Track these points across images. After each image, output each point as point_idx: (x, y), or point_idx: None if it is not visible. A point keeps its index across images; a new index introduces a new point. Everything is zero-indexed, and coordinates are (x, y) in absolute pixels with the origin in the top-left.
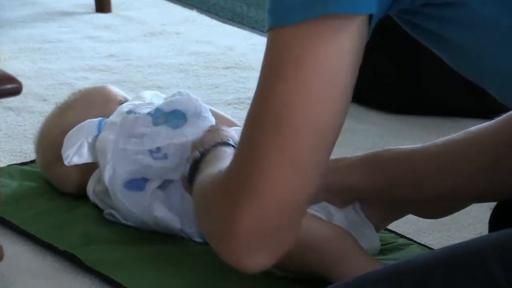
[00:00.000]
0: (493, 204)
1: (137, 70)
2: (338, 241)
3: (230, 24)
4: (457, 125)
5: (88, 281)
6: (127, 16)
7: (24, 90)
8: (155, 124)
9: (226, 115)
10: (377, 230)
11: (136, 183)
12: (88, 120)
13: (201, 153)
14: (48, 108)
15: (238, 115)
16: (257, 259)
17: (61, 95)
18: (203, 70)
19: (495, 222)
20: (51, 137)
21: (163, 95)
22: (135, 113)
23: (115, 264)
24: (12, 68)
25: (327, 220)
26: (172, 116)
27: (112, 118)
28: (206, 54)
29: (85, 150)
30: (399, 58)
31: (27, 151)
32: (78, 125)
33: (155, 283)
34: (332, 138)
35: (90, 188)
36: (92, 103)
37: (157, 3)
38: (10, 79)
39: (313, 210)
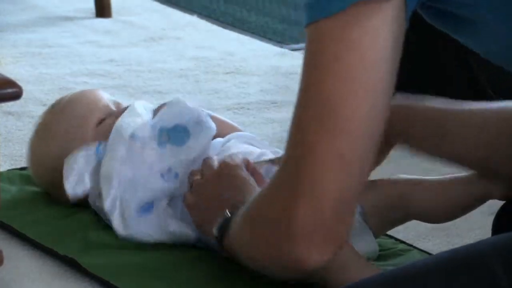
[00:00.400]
0: (493, 209)
1: (137, 75)
2: None
3: (230, 29)
4: None
5: (88, 286)
6: (127, 21)
7: (24, 95)
8: (160, 145)
9: (227, 120)
10: (377, 236)
11: (146, 207)
12: (85, 148)
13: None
14: None
15: (238, 120)
16: (315, 255)
17: None
18: (203, 75)
19: (498, 228)
20: (42, 170)
21: (151, 105)
22: (137, 137)
23: (116, 269)
24: (12, 72)
25: None
26: (174, 132)
27: (113, 141)
28: (206, 59)
29: (86, 181)
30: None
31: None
32: (75, 156)
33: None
34: (378, 130)
35: (91, 200)
36: (72, 128)
37: (157, 8)
38: (10, 83)
39: None
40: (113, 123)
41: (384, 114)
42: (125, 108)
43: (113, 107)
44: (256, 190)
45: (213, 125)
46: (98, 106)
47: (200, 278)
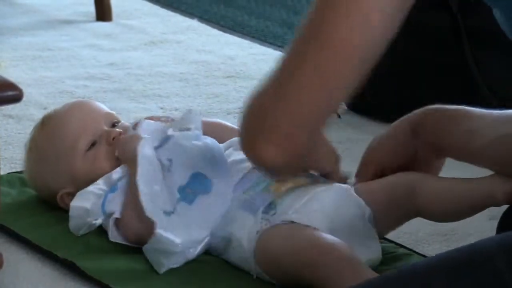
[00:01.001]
0: (493, 214)
1: (137, 78)
2: (333, 254)
3: (231, 33)
4: None
5: None
6: (127, 25)
7: (24, 98)
8: (191, 203)
9: (227, 124)
10: (383, 234)
11: None
12: (92, 202)
13: None
14: None
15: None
16: (269, 152)
17: (61, 103)
18: (203, 79)
19: (502, 230)
20: (37, 185)
21: (158, 125)
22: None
23: (115, 273)
24: (12, 75)
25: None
26: (196, 183)
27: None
28: (206, 63)
29: (94, 226)
30: (399, 70)
31: None
32: (78, 203)
33: None
34: (365, 62)
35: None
36: (62, 153)
37: (158, 12)
38: (11, 86)
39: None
40: (104, 150)
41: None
42: (120, 132)
43: (105, 126)
44: None
45: (223, 157)
46: (89, 128)
47: (201, 282)
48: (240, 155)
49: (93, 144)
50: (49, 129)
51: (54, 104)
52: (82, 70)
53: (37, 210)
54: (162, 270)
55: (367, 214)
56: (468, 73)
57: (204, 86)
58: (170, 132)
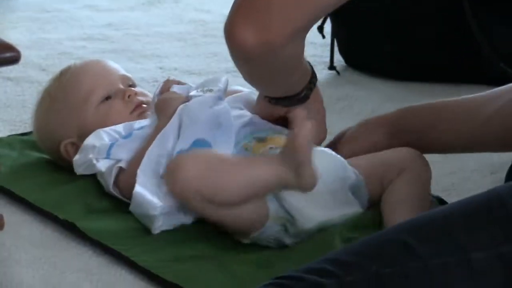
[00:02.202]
0: (494, 169)
1: (135, 39)
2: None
3: None
4: (454, 91)
5: (88, 250)
6: None
7: (22, 60)
8: None
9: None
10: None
11: None
12: (101, 142)
13: None
14: (47, 78)
15: (237, 83)
16: (245, 34)
17: (60, 65)
18: (202, 38)
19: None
20: (43, 137)
21: (180, 86)
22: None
23: (115, 234)
24: (10, 38)
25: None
26: (195, 148)
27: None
28: (205, 23)
29: (93, 166)
30: (397, 25)
31: (26, 121)
32: (90, 141)
33: (156, 251)
34: None
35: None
36: (75, 104)
37: None
38: (9, 47)
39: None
40: (117, 105)
41: None
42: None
43: (121, 85)
44: None
45: (230, 124)
46: (105, 83)
47: (202, 238)
48: (234, 112)
49: (107, 99)
50: (64, 80)
51: (53, 65)
52: (80, 31)
53: (37, 172)
54: (154, 232)
55: (351, 181)
56: (469, 30)
57: (203, 46)
58: (192, 93)
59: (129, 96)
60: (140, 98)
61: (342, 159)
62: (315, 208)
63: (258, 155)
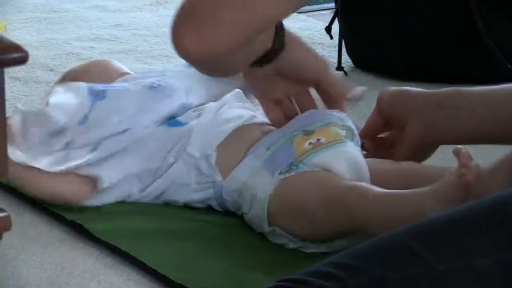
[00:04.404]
0: None
1: (143, 39)
2: (368, 196)
3: None
4: None
5: (95, 251)
6: None
7: (30, 60)
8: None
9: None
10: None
11: None
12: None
13: None
14: (55, 78)
15: None
16: (188, 42)
17: (68, 65)
18: None
19: None
20: None
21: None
22: None
23: (123, 234)
24: (18, 38)
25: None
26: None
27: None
28: None
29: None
30: (405, 26)
31: None
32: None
33: (163, 252)
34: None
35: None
36: None
37: None
38: (16, 48)
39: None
40: None
41: None
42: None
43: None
44: None
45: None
46: (104, 78)
47: (211, 242)
48: (234, 112)
49: None
50: (67, 79)
51: (61, 66)
52: (88, 31)
53: None
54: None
55: None
56: (476, 31)
57: None
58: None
59: None
60: None
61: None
62: None
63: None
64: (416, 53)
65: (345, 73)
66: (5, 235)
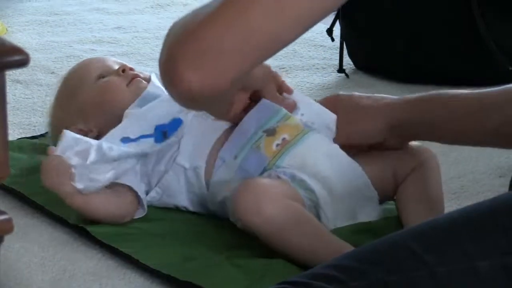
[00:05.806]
0: (502, 172)
1: (144, 42)
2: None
3: None
4: None
5: (97, 253)
6: None
7: (31, 63)
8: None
9: None
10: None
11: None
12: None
13: None
14: (56, 81)
15: None
16: (192, 78)
17: (69, 68)
18: None
19: None
20: (57, 134)
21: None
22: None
23: (125, 237)
24: (19, 40)
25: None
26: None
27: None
28: None
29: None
30: (407, 28)
31: (35, 124)
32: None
33: (164, 253)
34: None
35: None
36: (72, 87)
37: None
38: (17, 50)
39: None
40: (113, 80)
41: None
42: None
43: (116, 66)
44: None
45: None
46: (98, 66)
47: (209, 242)
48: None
49: (102, 77)
50: (68, 77)
51: (62, 68)
52: (89, 34)
53: None
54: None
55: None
56: (476, 30)
57: None
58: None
59: (123, 71)
60: (135, 72)
61: (357, 165)
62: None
63: (273, 153)
64: (417, 55)
65: (347, 75)
66: (7, 237)
